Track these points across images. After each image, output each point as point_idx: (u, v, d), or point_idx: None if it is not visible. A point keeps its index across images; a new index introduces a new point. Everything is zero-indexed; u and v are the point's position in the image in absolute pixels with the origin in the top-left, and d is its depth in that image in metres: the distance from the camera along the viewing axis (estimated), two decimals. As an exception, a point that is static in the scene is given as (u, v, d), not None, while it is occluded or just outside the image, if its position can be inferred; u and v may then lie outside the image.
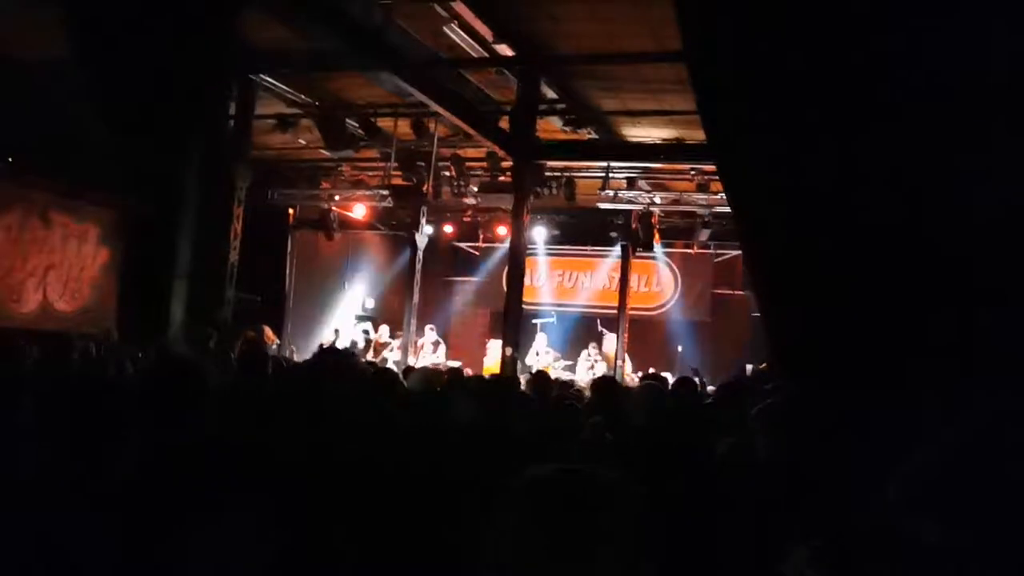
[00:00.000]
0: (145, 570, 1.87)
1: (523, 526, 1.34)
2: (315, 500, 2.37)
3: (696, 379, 6.80)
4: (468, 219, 17.56)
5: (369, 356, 14.82)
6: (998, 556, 1.25)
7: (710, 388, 9.29)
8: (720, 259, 16.82)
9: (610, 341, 16.07)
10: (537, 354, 15.40)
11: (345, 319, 16.99)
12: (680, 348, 16.42)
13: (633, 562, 1.32)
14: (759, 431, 2.81)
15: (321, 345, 9.54)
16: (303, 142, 13.91)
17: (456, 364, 13.51)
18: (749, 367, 13.00)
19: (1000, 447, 1.35)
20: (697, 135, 11.55)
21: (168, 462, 2.18)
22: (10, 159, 10.48)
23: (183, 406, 2.85)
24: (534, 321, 16.04)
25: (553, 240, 17.37)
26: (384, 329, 15.97)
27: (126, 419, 2.49)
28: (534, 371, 9.16)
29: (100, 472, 2.22)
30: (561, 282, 18.73)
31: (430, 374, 6.26)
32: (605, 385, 5.58)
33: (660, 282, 18.10)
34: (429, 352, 15.17)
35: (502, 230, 16.19)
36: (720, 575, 2.35)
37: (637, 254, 16.76)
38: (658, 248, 16.63)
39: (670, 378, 12.90)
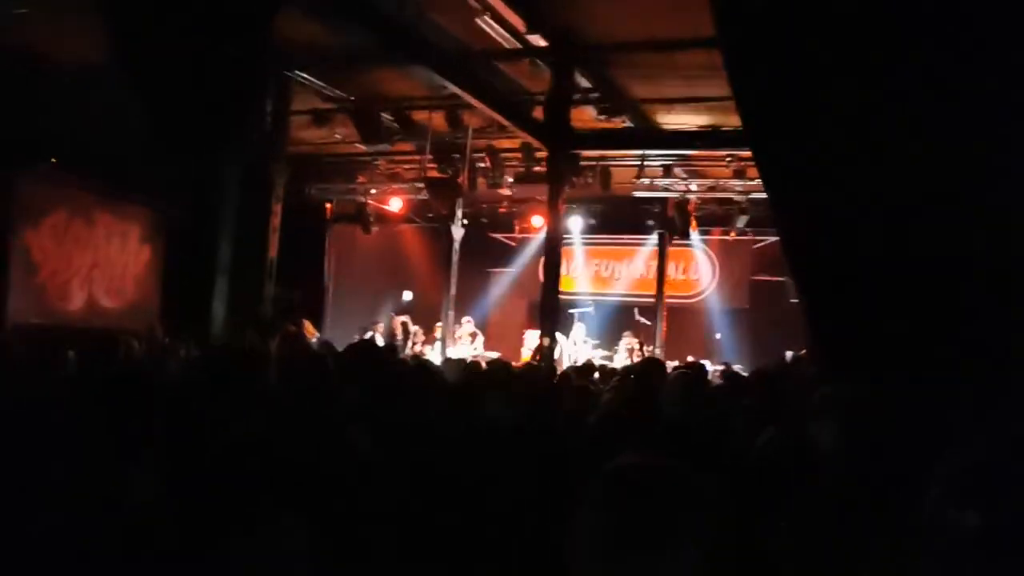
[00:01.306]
0: (188, 570, 1.91)
1: (601, 517, 1.36)
2: (352, 503, 2.40)
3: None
4: (504, 210, 17.56)
5: (408, 350, 14.91)
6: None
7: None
8: (758, 245, 16.66)
9: (648, 330, 16.03)
10: (575, 344, 15.39)
11: (384, 312, 17.10)
12: (719, 336, 16.33)
13: (703, 557, 1.32)
14: (820, 420, 2.77)
15: (355, 343, 9.60)
16: (339, 137, 13.99)
17: (494, 355, 13.57)
18: (789, 354, 12.89)
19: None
20: (733, 121, 11.44)
21: (218, 461, 2.21)
22: (54, 160, 10.68)
23: (240, 402, 2.89)
24: (571, 311, 16.03)
25: (589, 229, 17.32)
26: (417, 328, 16.05)
27: (169, 417, 2.53)
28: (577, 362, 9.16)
29: (139, 472, 2.26)
30: (598, 271, 18.70)
31: (466, 366, 6.28)
32: (646, 371, 5.55)
33: (697, 270, 18.00)
34: (467, 343, 15.22)
35: (538, 220, 16.17)
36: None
37: (674, 242, 16.67)
38: (695, 235, 16.54)
39: (709, 367, 12.84)
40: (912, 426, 2.15)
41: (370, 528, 2.38)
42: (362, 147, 13.81)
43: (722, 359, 14.61)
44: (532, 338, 15.30)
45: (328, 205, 16.58)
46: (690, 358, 13.02)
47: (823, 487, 2.44)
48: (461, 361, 8.38)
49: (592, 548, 1.35)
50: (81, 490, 2.14)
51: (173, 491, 2.20)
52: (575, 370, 7.06)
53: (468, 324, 15.65)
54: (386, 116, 12.88)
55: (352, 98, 12.72)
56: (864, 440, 2.34)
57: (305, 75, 11.66)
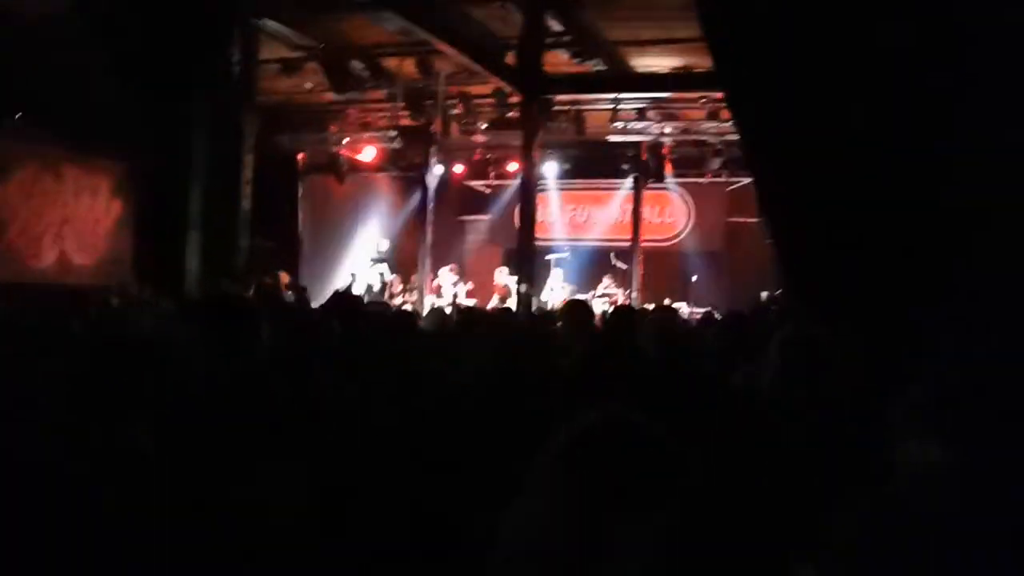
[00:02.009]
0: (184, 514, 1.93)
1: (562, 480, 1.33)
2: (338, 450, 2.43)
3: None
4: (478, 157, 17.45)
5: (386, 299, 14.92)
6: (1000, 475, 1.28)
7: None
8: (733, 187, 16.70)
9: (624, 274, 16.11)
10: (552, 289, 15.45)
11: (360, 262, 17.05)
12: (695, 278, 16.44)
13: (668, 525, 1.31)
14: (780, 361, 2.81)
15: (336, 291, 9.58)
16: (309, 86, 13.80)
17: (471, 302, 13.61)
18: (765, 294, 13.03)
19: (1006, 369, 1.37)
20: (706, 63, 11.39)
21: (213, 410, 2.23)
22: (19, 116, 10.48)
23: (237, 346, 2.90)
24: (548, 257, 16.05)
25: (564, 175, 17.26)
26: (395, 278, 16.04)
27: (157, 370, 2.53)
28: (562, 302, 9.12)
29: (127, 423, 2.27)
30: (574, 217, 18.69)
31: (443, 315, 6.30)
32: (622, 316, 5.57)
33: (673, 213, 18.04)
34: (449, 292, 15.24)
35: (513, 167, 16.10)
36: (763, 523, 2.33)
37: (649, 186, 16.67)
38: (670, 179, 16.54)
39: (686, 309, 12.92)
40: (875, 361, 2.19)
41: (360, 472, 2.42)
42: (333, 96, 13.64)
43: (698, 302, 14.73)
44: (501, 275, 15.37)
45: (300, 155, 16.40)
46: (667, 301, 13.12)
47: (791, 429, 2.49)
48: (438, 311, 8.41)
49: (554, 511, 1.32)
50: (75, 445, 2.15)
51: (168, 443, 2.22)
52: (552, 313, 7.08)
53: (450, 273, 15.64)
54: (356, 64, 12.71)
55: (321, 46, 12.52)
56: (829, 378, 2.39)
57: (272, 22, 11.45)
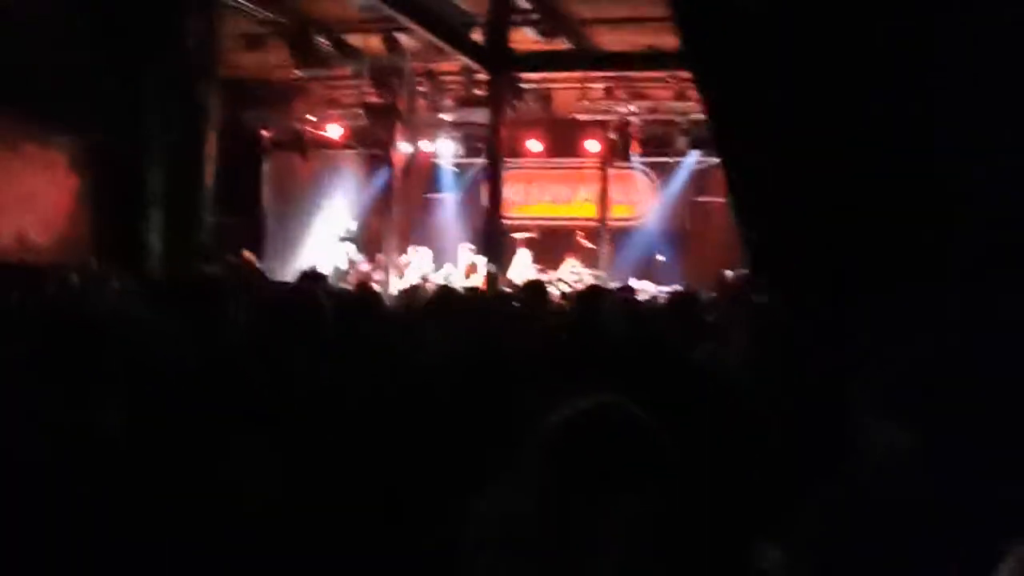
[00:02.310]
0: (156, 498, 1.89)
1: (548, 466, 1.34)
2: (312, 432, 2.40)
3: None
4: (445, 135, 17.35)
5: (352, 278, 14.82)
6: (964, 458, 1.29)
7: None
8: (699, 167, 16.75)
9: (589, 253, 16.13)
10: (519, 268, 15.42)
11: (325, 241, 16.90)
12: (661, 257, 16.49)
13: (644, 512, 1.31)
14: (751, 346, 2.82)
15: (303, 271, 9.48)
16: (273, 61, 13.61)
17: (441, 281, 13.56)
18: (729, 273, 13.10)
19: (970, 353, 1.38)
20: (673, 42, 11.35)
21: (185, 388, 2.19)
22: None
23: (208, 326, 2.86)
24: (515, 236, 16.02)
25: (531, 154, 17.21)
26: (360, 257, 15.93)
27: (124, 349, 2.48)
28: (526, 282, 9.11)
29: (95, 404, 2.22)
30: (540, 195, 18.65)
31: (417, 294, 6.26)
32: (590, 297, 5.58)
33: (639, 192, 18.06)
34: (418, 271, 15.17)
35: (480, 145, 16.02)
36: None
37: (616, 164, 16.67)
38: (636, 158, 16.55)
39: (653, 289, 12.96)
40: (840, 344, 2.21)
41: (334, 455, 2.39)
42: (298, 72, 13.47)
43: (664, 281, 14.79)
44: (464, 253, 15.33)
45: (265, 132, 16.20)
46: (631, 280, 13.17)
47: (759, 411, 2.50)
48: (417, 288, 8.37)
49: (535, 497, 1.33)
50: (45, 425, 2.11)
51: (138, 422, 2.18)
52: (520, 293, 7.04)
53: (418, 251, 15.57)
54: (321, 41, 12.55)
55: (285, 21, 12.35)
56: (799, 362, 2.40)
57: (235, -4, 11.27)
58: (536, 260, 16.04)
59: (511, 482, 1.36)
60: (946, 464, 1.32)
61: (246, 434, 2.21)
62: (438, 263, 16.02)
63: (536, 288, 6.19)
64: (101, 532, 1.92)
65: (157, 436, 2.14)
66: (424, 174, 18.77)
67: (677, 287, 11.38)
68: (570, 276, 15.16)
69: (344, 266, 15.68)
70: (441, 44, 11.51)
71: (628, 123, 15.24)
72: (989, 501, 1.25)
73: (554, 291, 12.40)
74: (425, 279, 14.57)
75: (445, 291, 5.10)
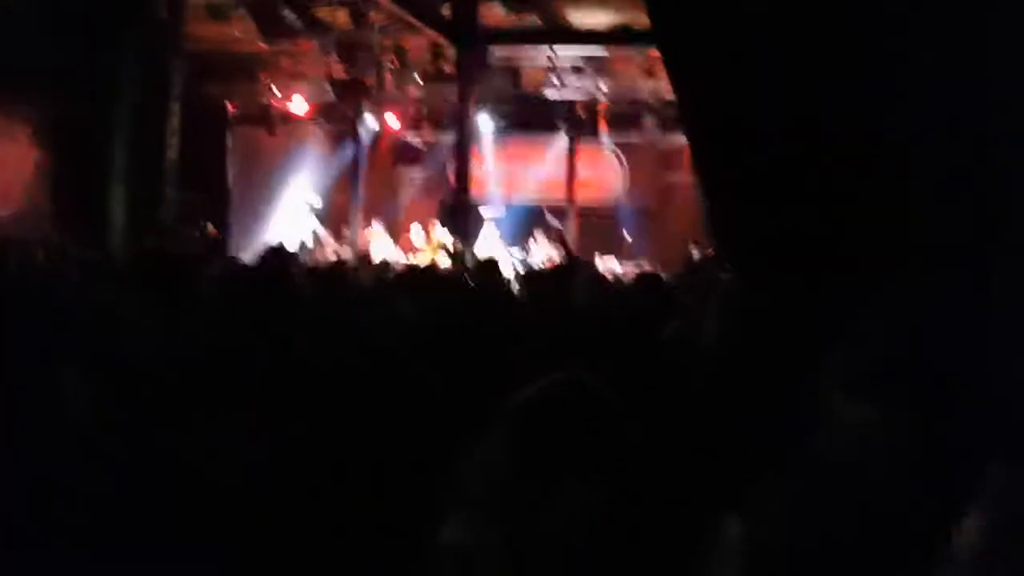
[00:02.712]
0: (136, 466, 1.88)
1: (516, 441, 1.35)
2: (286, 404, 2.39)
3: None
4: (413, 111, 17.23)
5: (318, 254, 14.71)
6: (935, 441, 1.31)
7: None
8: (667, 146, 16.80)
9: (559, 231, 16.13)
10: (485, 246, 15.39)
11: (291, 216, 16.74)
12: (628, 237, 16.55)
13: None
14: (720, 327, 2.84)
15: (270, 246, 9.40)
16: (238, 33, 13.41)
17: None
18: (695, 253, 13.19)
19: (938, 335, 1.40)
20: (643, 20, 11.36)
21: (158, 364, 2.17)
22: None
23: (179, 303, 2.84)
24: (483, 213, 15.98)
25: (500, 130, 17.15)
26: (325, 232, 15.79)
27: (93, 324, 2.46)
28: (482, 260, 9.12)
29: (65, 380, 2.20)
30: (509, 172, 18.60)
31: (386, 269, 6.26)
32: (561, 275, 5.63)
33: (607, 170, 18.08)
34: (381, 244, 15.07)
35: (447, 121, 15.93)
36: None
37: (584, 142, 16.67)
38: (605, 136, 16.55)
39: (619, 267, 13.02)
40: (804, 318, 2.23)
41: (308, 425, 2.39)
42: (264, 45, 13.29)
43: (631, 259, 14.85)
44: (416, 231, 15.22)
45: (230, 105, 15.97)
46: (597, 257, 13.21)
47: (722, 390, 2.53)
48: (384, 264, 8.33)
49: (494, 480, 1.34)
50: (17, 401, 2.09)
51: (112, 397, 2.15)
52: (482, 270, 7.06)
53: (377, 227, 15.47)
54: (288, 13, 12.38)
55: (251, -8, 12.18)
56: (766, 341, 2.43)
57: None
58: (505, 238, 16.03)
59: (480, 455, 1.37)
60: (910, 441, 1.35)
61: (219, 413, 2.20)
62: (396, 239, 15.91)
63: (490, 266, 6.34)
64: (71, 516, 1.91)
65: (125, 408, 2.12)
66: (391, 149, 18.65)
67: (644, 265, 11.47)
68: (537, 254, 15.17)
69: (310, 242, 15.56)
70: (410, 18, 11.42)
71: (596, 101, 15.23)
72: (951, 478, 1.28)
73: (512, 269, 12.42)
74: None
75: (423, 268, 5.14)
